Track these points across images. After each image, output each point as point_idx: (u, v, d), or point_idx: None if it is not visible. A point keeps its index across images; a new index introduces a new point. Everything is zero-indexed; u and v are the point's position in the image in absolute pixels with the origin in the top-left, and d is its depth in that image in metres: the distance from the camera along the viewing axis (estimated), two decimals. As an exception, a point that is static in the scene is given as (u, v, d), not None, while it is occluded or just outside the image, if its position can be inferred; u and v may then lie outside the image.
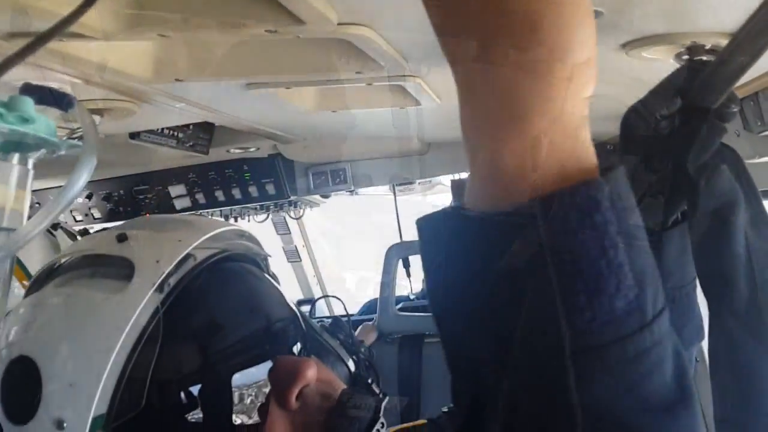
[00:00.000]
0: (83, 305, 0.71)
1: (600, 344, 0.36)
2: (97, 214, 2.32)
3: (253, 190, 2.18)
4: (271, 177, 2.16)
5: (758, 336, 0.79)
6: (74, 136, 1.27)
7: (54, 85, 1.13)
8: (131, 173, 2.21)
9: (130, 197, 2.25)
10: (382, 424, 0.68)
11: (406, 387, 2.23)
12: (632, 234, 0.38)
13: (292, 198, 2.28)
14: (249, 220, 2.81)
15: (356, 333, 2.43)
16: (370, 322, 2.42)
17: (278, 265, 3.37)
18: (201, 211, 2.36)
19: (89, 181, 2.36)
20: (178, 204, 2.21)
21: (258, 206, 2.56)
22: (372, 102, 1.38)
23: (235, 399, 0.69)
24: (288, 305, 0.81)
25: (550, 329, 0.36)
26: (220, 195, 2.20)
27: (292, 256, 3.33)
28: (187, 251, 0.71)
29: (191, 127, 1.73)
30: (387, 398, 0.71)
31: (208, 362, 0.68)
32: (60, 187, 2.30)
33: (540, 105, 0.37)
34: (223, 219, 2.62)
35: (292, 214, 2.86)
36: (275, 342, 0.74)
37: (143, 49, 1.08)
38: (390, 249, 2.27)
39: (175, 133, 1.69)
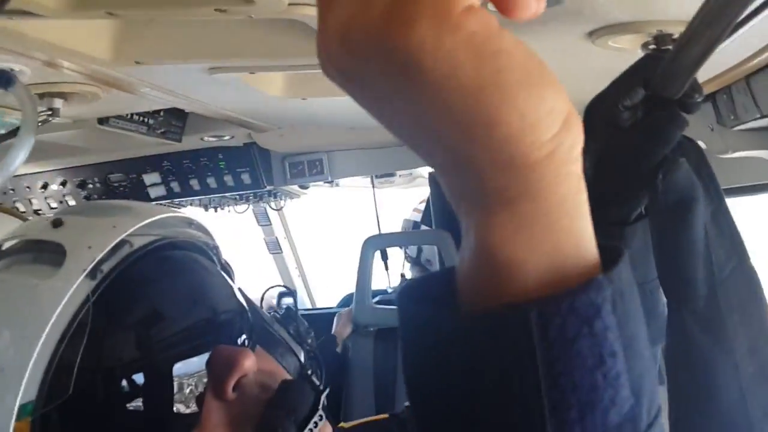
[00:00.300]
0: (15, 290, 0.68)
1: None
2: (71, 202, 2.29)
3: (228, 180, 2.15)
4: (247, 166, 2.13)
5: (716, 335, 0.77)
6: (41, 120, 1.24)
7: (16, 67, 1.10)
8: (105, 160, 2.18)
9: (105, 185, 2.22)
10: (321, 416, 0.66)
11: (382, 380, 2.20)
12: (633, 336, 0.34)
13: (269, 188, 2.25)
14: (229, 211, 2.78)
15: (334, 321, 2.40)
16: (346, 309, 2.39)
17: (260, 256, 3.35)
18: (177, 200, 2.33)
19: (63, 168, 2.32)
20: (153, 192, 2.18)
21: (238, 196, 2.53)
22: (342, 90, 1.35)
23: (175, 389, 0.66)
24: (235, 296, 0.78)
25: None
26: (195, 184, 2.17)
27: (274, 247, 3.31)
28: (121, 237, 0.69)
29: (162, 113, 1.69)
30: (327, 390, 0.69)
31: (140, 351, 0.66)
32: (42, 172, 2.26)
33: (526, 187, 0.32)
34: (202, 209, 2.59)
35: (272, 205, 2.83)
36: (216, 332, 0.71)
37: (102, 31, 1.05)
38: (367, 241, 2.23)
39: (146, 120, 1.65)
